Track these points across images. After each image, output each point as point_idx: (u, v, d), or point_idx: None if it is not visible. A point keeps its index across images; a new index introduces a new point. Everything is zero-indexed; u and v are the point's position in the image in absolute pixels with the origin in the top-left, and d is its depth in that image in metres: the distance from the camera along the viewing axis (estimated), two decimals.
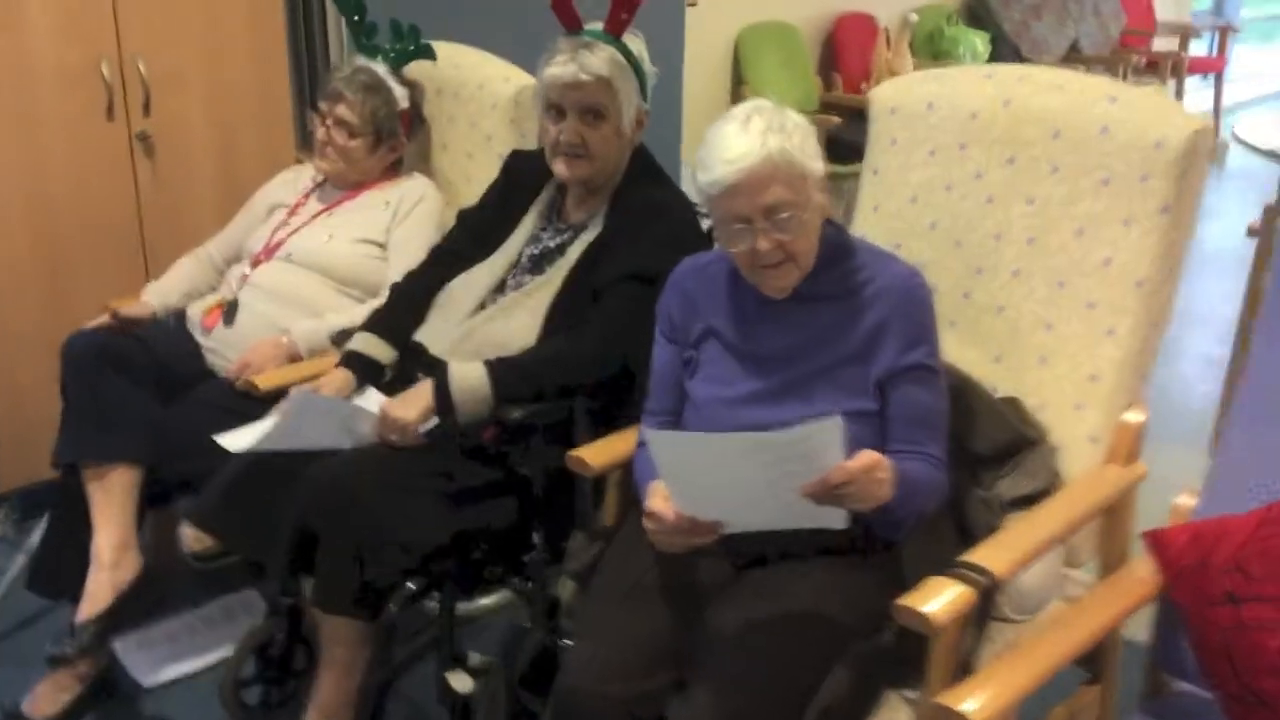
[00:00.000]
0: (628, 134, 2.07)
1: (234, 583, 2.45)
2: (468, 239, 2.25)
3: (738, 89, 5.11)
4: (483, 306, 2.11)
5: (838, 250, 1.69)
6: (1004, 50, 5.94)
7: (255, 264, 2.46)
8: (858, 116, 5.09)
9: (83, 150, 2.81)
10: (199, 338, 2.43)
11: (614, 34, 2.05)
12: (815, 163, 1.61)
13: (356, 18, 2.67)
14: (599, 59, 2.00)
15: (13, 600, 2.55)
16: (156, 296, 2.52)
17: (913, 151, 2.00)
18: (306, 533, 1.88)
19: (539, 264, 2.13)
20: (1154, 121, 1.73)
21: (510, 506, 1.99)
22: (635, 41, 2.09)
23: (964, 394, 1.77)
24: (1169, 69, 6.83)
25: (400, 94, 2.56)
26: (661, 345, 1.82)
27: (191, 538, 1.99)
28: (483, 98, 2.61)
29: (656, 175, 2.15)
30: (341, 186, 2.56)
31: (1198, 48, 7.51)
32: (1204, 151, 1.72)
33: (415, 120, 2.65)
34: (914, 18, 5.56)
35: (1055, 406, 1.81)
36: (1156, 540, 1.62)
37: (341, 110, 2.48)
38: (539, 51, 2.08)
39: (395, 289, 2.27)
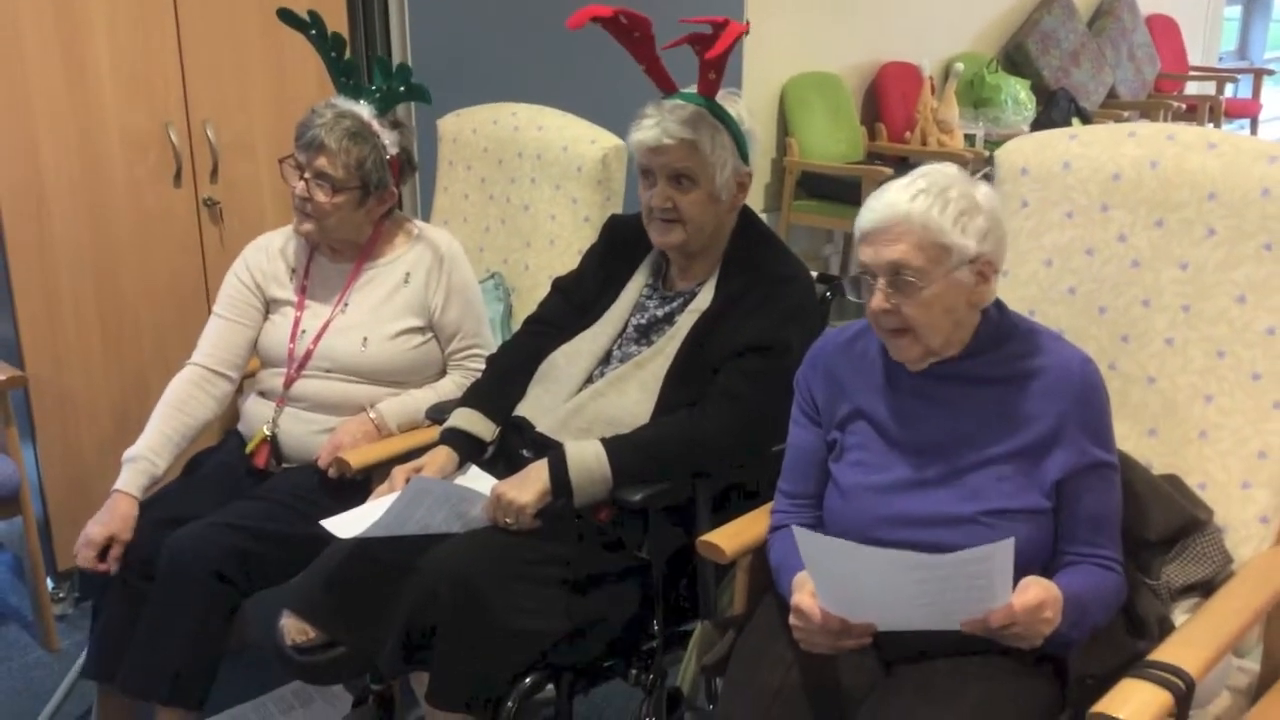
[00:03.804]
0: (724, 198, 1.97)
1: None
2: (566, 308, 2.16)
3: (784, 140, 5.05)
4: (589, 379, 2.02)
5: (1002, 331, 1.59)
6: (1054, 97, 5.87)
7: (288, 383, 2.25)
8: (903, 165, 5.08)
9: (150, 215, 2.74)
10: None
11: (706, 95, 1.96)
12: (967, 239, 1.51)
13: (334, 54, 2.33)
14: (683, 122, 1.90)
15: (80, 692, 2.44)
16: (140, 478, 2.16)
17: (1047, 213, 1.90)
18: (420, 625, 1.77)
19: (646, 334, 2.03)
20: None
21: (631, 594, 1.88)
22: (733, 102, 2.00)
23: (1125, 474, 1.66)
24: (1206, 113, 6.77)
25: (389, 139, 2.24)
26: (801, 425, 1.72)
27: (293, 629, 1.87)
28: (567, 160, 2.53)
29: (767, 240, 2.05)
30: (333, 255, 2.30)
31: (1229, 90, 7.46)
32: None
33: (405, 167, 2.30)
34: (959, 67, 5.51)
35: (1219, 484, 1.70)
36: None
37: (322, 163, 2.15)
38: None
39: (492, 361, 2.17)
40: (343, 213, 2.21)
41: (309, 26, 2.33)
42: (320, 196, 2.18)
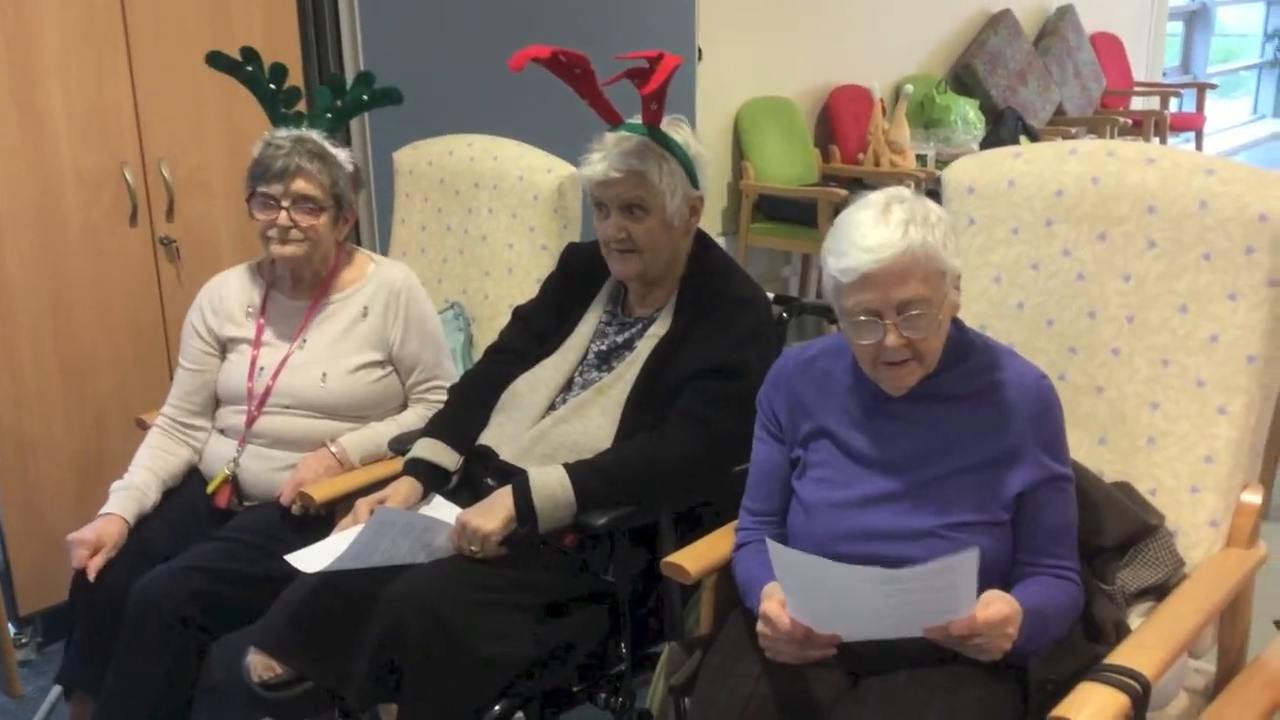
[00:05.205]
0: (677, 224, 1.99)
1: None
2: (527, 337, 2.18)
3: (740, 164, 5.11)
4: (552, 407, 2.03)
5: (961, 348, 1.62)
6: (1002, 116, 5.98)
7: (250, 422, 2.24)
8: (857, 185, 5.15)
9: (106, 255, 2.73)
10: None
11: (650, 125, 1.99)
12: (954, 259, 1.54)
13: (274, 85, 2.35)
14: (628, 153, 1.93)
15: None
16: (131, 504, 2.17)
17: (993, 230, 1.95)
18: (387, 656, 1.77)
19: (607, 360, 2.06)
20: (1255, 193, 1.69)
21: (598, 617, 1.90)
22: (679, 129, 2.03)
23: (1078, 483, 1.69)
24: (1152, 128, 6.91)
25: (344, 157, 2.27)
26: (764, 442, 1.74)
27: (260, 665, 1.86)
28: (523, 189, 2.55)
29: (723, 264, 2.08)
30: (290, 291, 2.30)
31: (1173, 104, 7.62)
32: None
33: (358, 183, 2.35)
34: (909, 88, 5.60)
35: (1169, 490, 1.74)
36: None
37: (301, 185, 2.16)
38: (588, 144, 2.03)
39: (454, 391, 2.18)
40: (325, 232, 2.22)
41: (242, 66, 2.34)
42: (304, 220, 2.18)
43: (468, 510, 1.87)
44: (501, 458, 2.01)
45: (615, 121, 2.02)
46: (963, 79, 6.30)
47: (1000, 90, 6.30)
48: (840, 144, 5.50)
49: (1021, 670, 1.55)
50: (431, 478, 2.04)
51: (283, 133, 2.24)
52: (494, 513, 1.84)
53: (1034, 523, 1.57)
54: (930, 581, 1.38)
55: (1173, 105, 7.49)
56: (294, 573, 1.87)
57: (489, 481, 2.00)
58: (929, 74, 6.13)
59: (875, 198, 1.55)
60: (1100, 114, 6.93)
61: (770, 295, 2.14)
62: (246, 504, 2.25)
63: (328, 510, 2.13)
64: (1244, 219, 1.69)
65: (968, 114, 5.86)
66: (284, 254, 2.20)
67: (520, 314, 2.22)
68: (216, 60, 2.34)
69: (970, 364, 1.61)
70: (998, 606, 1.44)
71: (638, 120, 1.98)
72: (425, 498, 2.03)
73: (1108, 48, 7.31)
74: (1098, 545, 1.68)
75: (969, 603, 1.41)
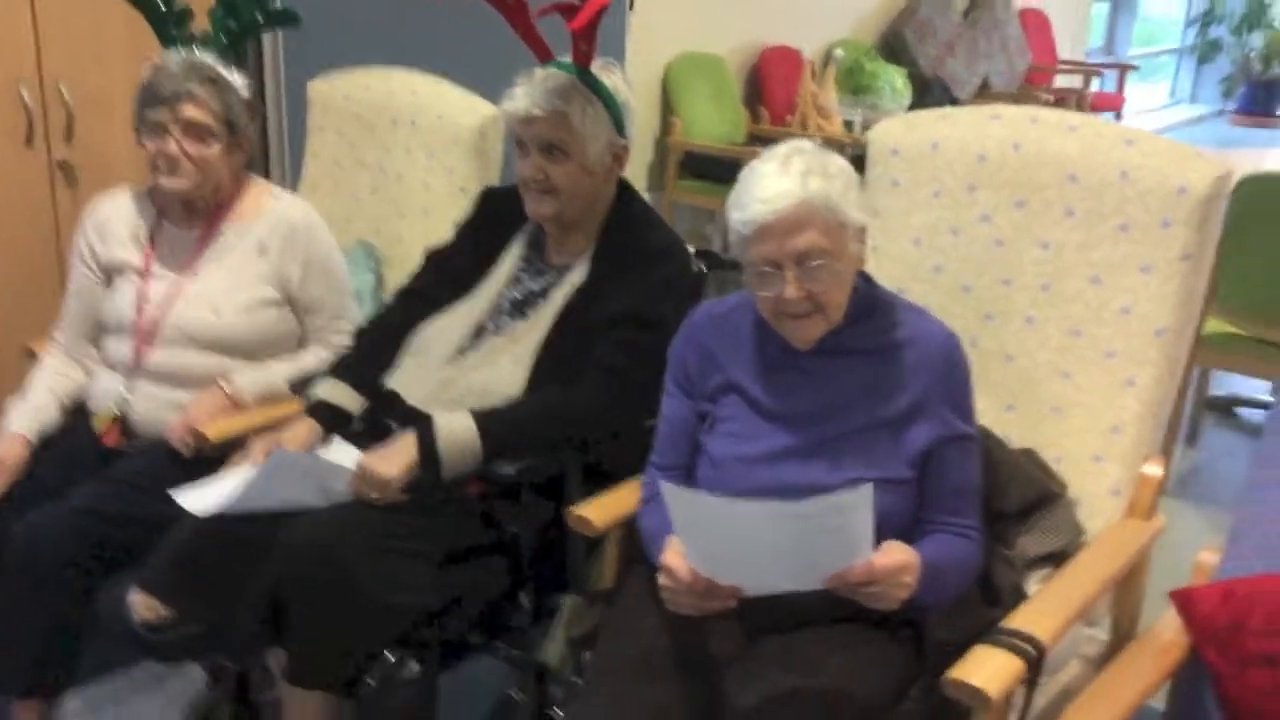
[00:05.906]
0: (598, 170, 1.94)
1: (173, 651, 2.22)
2: (439, 280, 2.11)
3: (668, 120, 5.05)
4: (461, 352, 1.98)
5: (868, 303, 1.61)
6: (929, 86, 6.00)
7: (137, 356, 2.11)
8: None
9: None
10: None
11: (580, 65, 1.94)
12: (855, 211, 1.53)
13: (163, 6, 2.25)
14: (553, 92, 1.87)
15: None
16: (31, 421, 2.12)
17: (915, 193, 1.93)
18: (277, 601, 1.72)
19: (520, 308, 2.00)
20: (1176, 167, 1.69)
21: (499, 568, 1.86)
22: (610, 74, 1.98)
23: (984, 447, 1.70)
24: (1074, 106, 7.00)
25: (240, 83, 2.15)
26: (673, 396, 1.72)
27: (142, 606, 1.79)
28: (443, 128, 2.47)
29: (644, 215, 2.04)
30: (183, 220, 2.18)
31: (1095, 84, 7.73)
32: (1225, 197, 1.69)
33: (254, 110, 2.24)
34: (839, 53, 5.59)
35: (1073, 459, 1.76)
36: (1185, 600, 1.57)
37: (190, 111, 2.05)
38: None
39: (362, 333, 2.12)
40: (217, 161, 2.11)
41: None
42: (193, 149, 2.08)
43: (369, 454, 1.81)
44: (407, 402, 1.95)
45: (546, 58, 1.96)
46: (893, 46, 6.31)
47: (929, 60, 6.33)
48: (768, 105, 5.47)
49: (919, 629, 1.55)
50: (332, 420, 1.98)
51: (174, 56, 2.13)
52: (396, 457, 1.79)
53: (938, 479, 1.57)
54: (825, 519, 1.36)
55: (1094, 85, 7.60)
56: (184, 514, 1.80)
57: (393, 426, 1.95)
58: (859, 40, 6.12)
59: (779, 149, 1.54)
60: (1024, 90, 7.00)
61: (692, 249, 2.11)
62: (135, 443, 2.16)
63: (220, 452, 2.05)
64: (1164, 191, 1.69)
65: (895, 82, 5.88)
66: (171, 187, 2.10)
67: (433, 256, 2.16)
68: None
69: (878, 319, 1.60)
70: (896, 555, 1.43)
71: (568, 59, 1.92)
72: (325, 440, 1.97)
73: (1035, 24, 7.38)
74: (1000, 510, 1.69)
75: (866, 547, 1.40)
